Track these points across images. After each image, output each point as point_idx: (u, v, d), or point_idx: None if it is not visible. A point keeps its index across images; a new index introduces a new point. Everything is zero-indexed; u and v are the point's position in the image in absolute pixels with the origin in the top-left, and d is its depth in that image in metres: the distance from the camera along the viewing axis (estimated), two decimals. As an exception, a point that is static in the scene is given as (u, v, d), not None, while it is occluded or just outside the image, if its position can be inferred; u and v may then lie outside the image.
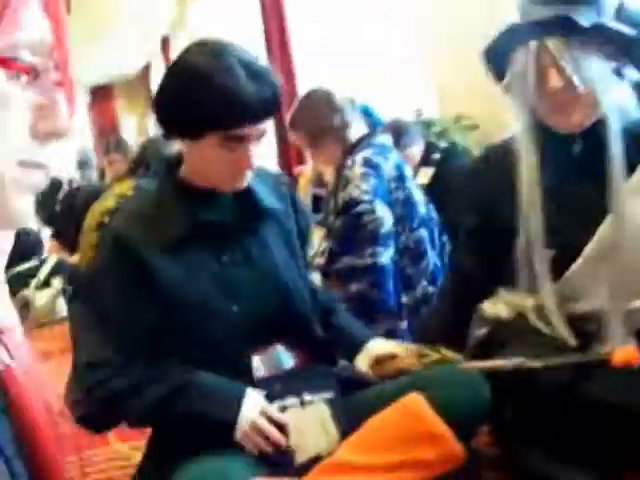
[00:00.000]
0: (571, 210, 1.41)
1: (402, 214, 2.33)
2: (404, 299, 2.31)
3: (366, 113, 3.02)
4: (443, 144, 3.61)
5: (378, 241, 2.24)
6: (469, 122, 4.04)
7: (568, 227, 1.40)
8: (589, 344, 1.37)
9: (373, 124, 2.96)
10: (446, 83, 4.08)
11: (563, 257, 1.41)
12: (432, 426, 1.31)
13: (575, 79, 1.34)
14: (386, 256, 2.25)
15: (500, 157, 1.54)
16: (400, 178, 2.37)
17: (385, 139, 2.49)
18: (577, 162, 1.43)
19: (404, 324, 2.29)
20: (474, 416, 1.38)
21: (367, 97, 3.64)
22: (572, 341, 1.37)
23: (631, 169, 1.37)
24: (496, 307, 1.51)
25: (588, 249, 1.40)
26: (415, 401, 1.34)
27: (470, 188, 1.74)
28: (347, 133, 2.39)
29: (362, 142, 2.39)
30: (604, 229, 1.39)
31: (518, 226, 1.45)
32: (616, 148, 1.35)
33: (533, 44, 1.37)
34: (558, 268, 1.42)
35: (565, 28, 1.33)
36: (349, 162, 2.33)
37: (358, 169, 2.27)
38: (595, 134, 1.38)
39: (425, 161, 3.38)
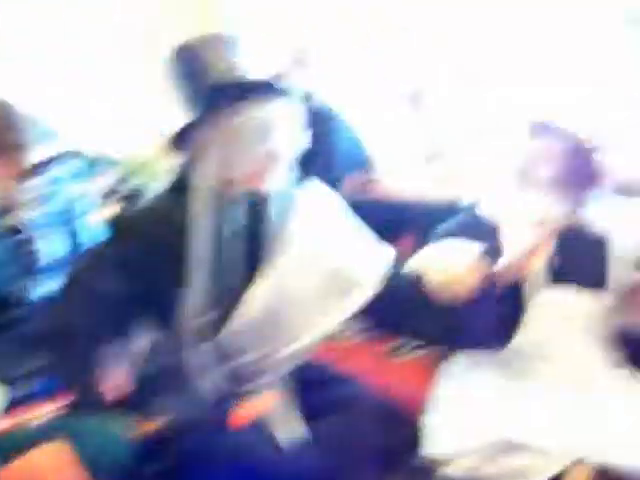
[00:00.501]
0: (234, 270, 1.48)
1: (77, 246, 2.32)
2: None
3: (51, 137, 2.86)
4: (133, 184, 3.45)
5: (37, 274, 2.20)
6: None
7: (231, 287, 1.47)
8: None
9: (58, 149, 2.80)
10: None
11: (227, 313, 1.47)
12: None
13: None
14: (46, 289, 2.17)
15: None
16: (79, 209, 2.37)
17: (67, 166, 2.45)
18: (242, 226, 1.51)
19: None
20: (113, 469, 1.32)
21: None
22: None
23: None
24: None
25: (242, 308, 1.48)
26: (60, 449, 1.27)
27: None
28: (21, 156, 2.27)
29: (41, 168, 2.34)
30: (257, 289, 1.47)
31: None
32: (273, 216, 1.50)
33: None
34: (221, 324, 1.48)
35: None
36: (18, 187, 2.20)
37: (29, 195, 2.24)
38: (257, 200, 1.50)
39: (110, 196, 3.21)
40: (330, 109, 3.20)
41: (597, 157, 1.84)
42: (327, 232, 1.55)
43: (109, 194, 3.29)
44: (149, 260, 1.43)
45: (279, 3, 4.03)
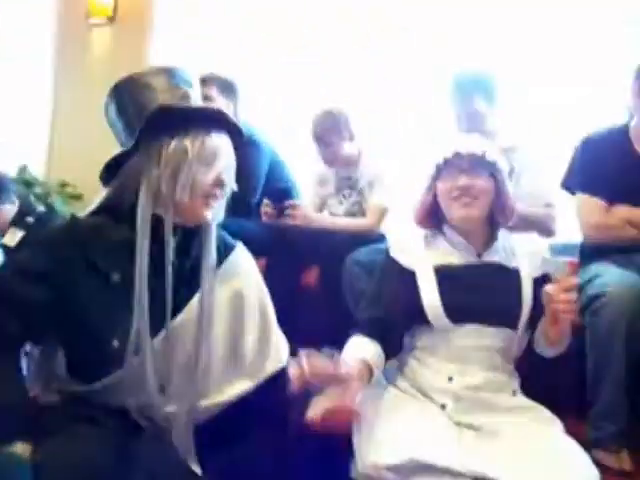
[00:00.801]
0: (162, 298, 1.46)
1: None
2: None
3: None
4: (41, 208, 3.39)
5: None
6: (74, 190, 3.97)
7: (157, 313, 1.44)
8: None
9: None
10: (57, 144, 3.91)
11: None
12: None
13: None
14: None
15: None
16: None
17: None
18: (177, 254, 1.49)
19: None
20: None
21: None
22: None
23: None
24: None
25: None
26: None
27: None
28: None
29: None
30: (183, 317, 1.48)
31: None
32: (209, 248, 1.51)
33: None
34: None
35: None
36: None
37: None
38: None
39: (17, 222, 3.11)
40: (253, 135, 3.23)
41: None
42: (245, 303, 1.59)
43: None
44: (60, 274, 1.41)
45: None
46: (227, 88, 3.27)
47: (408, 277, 1.83)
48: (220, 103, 3.23)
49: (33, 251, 1.44)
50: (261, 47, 4.06)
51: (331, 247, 2.71)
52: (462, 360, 1.78)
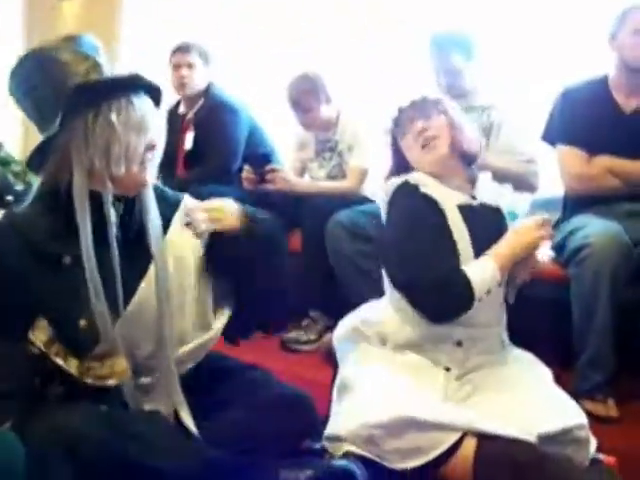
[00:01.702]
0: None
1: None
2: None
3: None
4: (20, 186, 3.34)
5: None
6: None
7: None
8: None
9: None
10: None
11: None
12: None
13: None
14: None
15: None
16: None
17: None
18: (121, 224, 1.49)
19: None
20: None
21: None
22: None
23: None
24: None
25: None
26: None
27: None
28: None
29: None
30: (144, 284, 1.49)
31: None
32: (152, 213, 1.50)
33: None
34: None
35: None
36: None
37: None
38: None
39: None
40: (231, 102, 3.28)
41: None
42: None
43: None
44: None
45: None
46: (205, 54, 3.30)
47: (441, 215, 1.75)
48: (201, 71, 3.28)
49: None
50: (258, 40, 3.99)
51: (313, 210, 2.69)
52: (472, 318, 1.69)
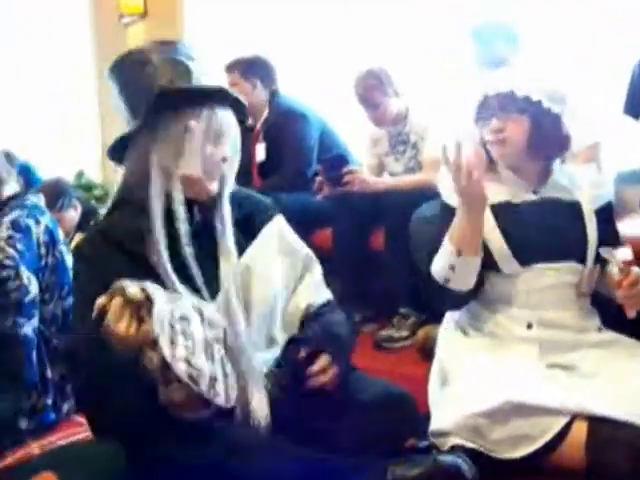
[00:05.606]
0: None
1: (51, 281, 2.22)
2: (49, 373, 2.16)
3: (25, 171, 2.79)
4: (103, 210, 3.40)
5: (21, 311, 2.10)
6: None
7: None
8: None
9: (30, 183, 2.75)
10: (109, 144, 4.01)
11: None
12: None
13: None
14: (28, 327, 2.11)
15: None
16: (51, 243, 2.24)
17: (37, 199, 2.32)
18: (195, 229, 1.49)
19: (49, 400, 2.15)
20: None
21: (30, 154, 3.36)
22: None
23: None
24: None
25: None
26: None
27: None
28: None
29: (12, 202, 2.23)
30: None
31: None
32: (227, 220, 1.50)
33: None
34: None
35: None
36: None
37: (5, 232, 2.12)
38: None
39: (82, 226, 3.18)
40: (297, 108, 3.26)
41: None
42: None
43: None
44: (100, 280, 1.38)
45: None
46: (250, 69, 3.27)
47: None
48: (244, 87, 3.22)
49: (80, 279, 1.48)
50: (321, 38, 3.99)
51: (393, 207, 2.66)
52: (537, 304, 1.71)
